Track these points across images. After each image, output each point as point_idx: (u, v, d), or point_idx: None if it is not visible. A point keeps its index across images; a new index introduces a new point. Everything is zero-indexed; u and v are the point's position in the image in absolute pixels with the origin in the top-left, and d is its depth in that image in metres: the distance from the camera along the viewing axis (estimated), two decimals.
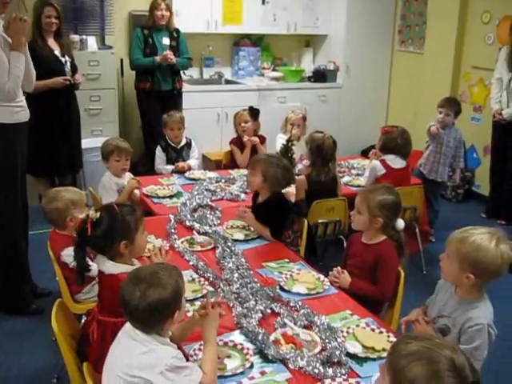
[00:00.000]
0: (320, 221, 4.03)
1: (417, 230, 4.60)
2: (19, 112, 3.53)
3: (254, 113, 4.97)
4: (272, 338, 2.35)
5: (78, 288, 3.10)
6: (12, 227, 3.62)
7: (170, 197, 4.11)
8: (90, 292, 3.10)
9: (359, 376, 2.15)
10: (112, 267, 2.41)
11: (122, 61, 6.20)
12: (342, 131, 6.88)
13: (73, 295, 3.11)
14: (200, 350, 2.25)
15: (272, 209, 3.46)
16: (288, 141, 4.49)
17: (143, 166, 5.86)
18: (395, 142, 4.35)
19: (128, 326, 2.04)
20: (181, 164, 4.79)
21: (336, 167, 4.27)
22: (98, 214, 2.41)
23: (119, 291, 2.01)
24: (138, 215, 2.52)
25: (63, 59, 4.99)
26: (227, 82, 6.88)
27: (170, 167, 4.84)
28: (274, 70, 7.10)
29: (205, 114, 6.27)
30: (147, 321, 1.97)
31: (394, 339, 2.35)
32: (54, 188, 3.26)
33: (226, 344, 2.32)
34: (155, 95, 5.80)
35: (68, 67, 5.03)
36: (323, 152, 4.02)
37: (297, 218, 3.66)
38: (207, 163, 6.28)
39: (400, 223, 3.02)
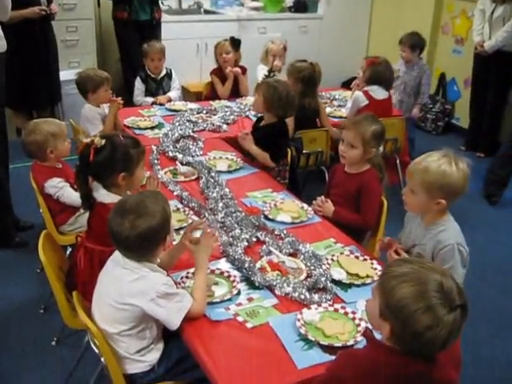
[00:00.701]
0: (304, 152, 4.02)
1: (397, 162, 4.63)
2: None
3: (235, 43, 4.87)
4: (258, 265, 2.38)
5: (63, 219, 3.11)
6: None
7: (152, 128, 4.07)
8: (75, 223, 3.11)
9: (344, 301, 2.20)
10: (104, 196, 2.41)
11: None
12: (323, 63, 6.60)
13: (57, 227, 3.10)
14: (188, 277, 2.29)
15: (275, 132, 3.46)
16: (270, 71, 4.45)
17: (122, 98, 5.75)
18: (382, 73, 4.32)
19: (117, 254, 2.06)
20: (160, 97, 4.73)
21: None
22: (103, 142, 2.39)
23: (108, 225, 2.02)
24: (140, 149, 2.52)
25: None
26: (206, 11, 6.71)
27: (150, 99, 4.77)
28: None
29: (184, 45, 6.12)
30: (138, 250, 1.99)
31: (377, 266, 2.42)
32: (33, 120, 3.19)
33: (212, 272, 2.35)
34: (133, 25, 5.62)
35: None
36: (314, 80, 3.99)
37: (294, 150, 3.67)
38: (187, 94, 6.19)
39: (380, 148, 3.06)
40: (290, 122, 3.65)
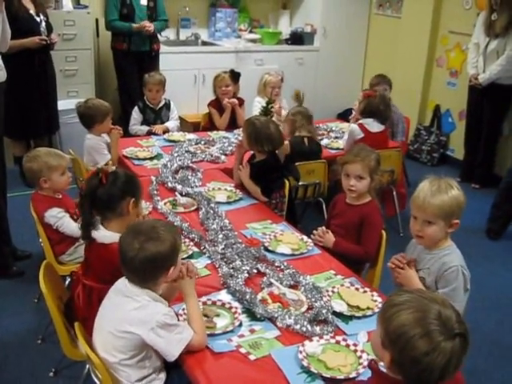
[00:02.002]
0: (300, 183, 4.05)
1: (394, 193, 4.66)
2: None
3: (235, 76, 4.94)
4: (259, 297, 2.39)
5: (62, 249, 3.11)
6: None
7: (151, 158, 4.09)
8: (74, 254, 3.11)
9: (345, 333, 2.20)
10: (104, 237, 2.39)
11: (97, 21, 6.05)
12: (319, 94, 6.90)
13: (56, 257, 3.10)
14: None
15: (264, 169, 3.49)
16: (268, 103, 4.49)
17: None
18: (377, 106, 4.37)
19: (119, 283, 2.07)
20: (157, 126, 4.77)
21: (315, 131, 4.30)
22: (114, 168, 2.44)
23: (119, 243, 2.04)
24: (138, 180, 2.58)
25: (38, 18, 4.84)
26: (204, 43, 6.78)
27: (145, 128, 4.82)
28: (251, 31, 7.02)
29: (182, 76, 6.18)
30: (143, 273, 2.00)
31: (377, 298, 2.42)
32: (38, 148, 3.20)
33: (214, 303, 2.35)
34: (132, 56, 5.70)
35: (43, 26, 4.88)
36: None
37: (291, 179, 3.70)
38: (184, 125, 6.21)
39: None
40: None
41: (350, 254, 2.91)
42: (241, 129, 4.77)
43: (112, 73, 6.02)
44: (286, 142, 4.04)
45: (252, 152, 3.60)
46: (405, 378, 1.53)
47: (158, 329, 1.94)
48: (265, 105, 4.50)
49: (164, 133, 4.74)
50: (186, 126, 6.18)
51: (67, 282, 2.96)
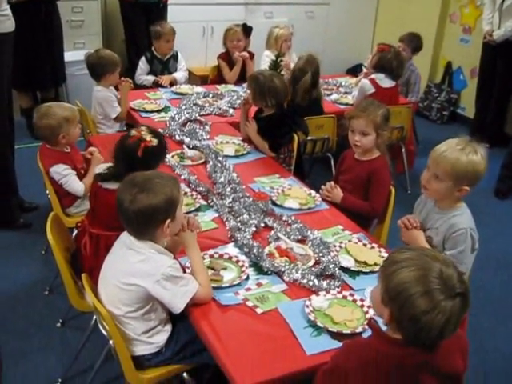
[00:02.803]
0: (308, 138, 4.01)
1: (403, 150, 4.61)
2: (5, 21, 3.38)
3: (247, 30, 4.87)
4: (266, 251, 2.38)
5: (69, 202, 3.10)
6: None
7: (158, 111, 4.05)
8: (81, 206, 3.09)
9: (352, 289, 2.20)
10: (110, 183, 2.39)
11: None
12: (329, 49, 6.78)
13: (63, 209, 3.09)
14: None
15: (272, 123, 3.45)
16: (277, 56, 4.40)
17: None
18: (390, 62, 4.28)
19: (124, 235, 2.06)
20: (164, 77, 4.71)
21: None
22: (156, 142, 2.46)
23: (117, 193, 2.02)
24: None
25: None
26: None
27: (152, 78, 4.76)
28: None
29: (190, 28, 6.05)
30: (136, 225, 1.98)
31: (385, 254, 2.41)
32: (46, 104, 3.14)
33: (221, 256, 2.34)
34: (140, 7, 5.58)
35: None
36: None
37: (300, 134, 3.66)
38: (192, 78, 6.13)
39: None
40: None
41: (357, 209, 2.89)
42: None
43: (119, 24, 5.91)
44: None
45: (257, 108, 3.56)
46: (403, 335, 1.52)
47: (163, 281, 1.94)
48: (274, 58, 4.40)
49: (171, 84, 4.69)
50: (193, 78, 6.10)
51: (74, 235, 2.95)
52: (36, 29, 4.81)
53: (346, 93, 4.74)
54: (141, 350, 2.06)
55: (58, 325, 2.93)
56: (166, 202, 1.97)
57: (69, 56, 5.30)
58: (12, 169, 3.71)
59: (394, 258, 1.56)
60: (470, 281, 2.42)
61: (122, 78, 3.95)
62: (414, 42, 5.07)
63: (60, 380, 2.59)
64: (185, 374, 2.14)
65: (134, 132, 2.49)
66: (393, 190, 2.94)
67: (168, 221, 1.99)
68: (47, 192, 3.10)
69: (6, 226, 3.71)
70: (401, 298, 1.47)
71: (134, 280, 1.95)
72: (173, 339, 2.11)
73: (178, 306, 1.98)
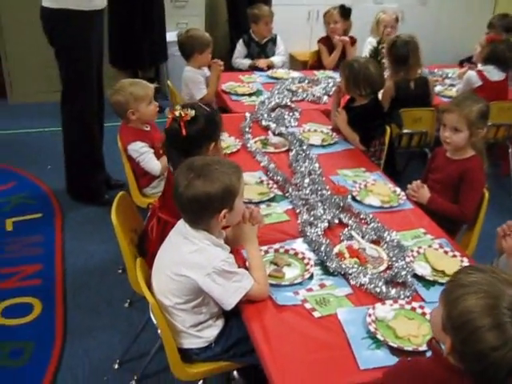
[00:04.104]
0: (404, 131, 3.77)
1: (510, 150, 4.25)
2: None
3: (344, 12, 4.65)
4: (336, 250, 2.21)
5: (146, 182, 3.07)
6: (87, 114, 3.59)
7: (249, 95, 3.96)
8: (158, 187, 3.05)
9: (424, 300, 1.99)
10: None
11: None
12: (441, 37, 6.40)
13: (140, 189, 3.07)
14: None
15: (365, 114, 3.27)
16: (379, 43, 4.17)
17: (227, 63, 5.67)
18: (502, 52, 3.94)
19: (180, 222, 1.98)
20: (261, 61, 4.60)
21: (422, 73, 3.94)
22: (193, 113, 2.29)
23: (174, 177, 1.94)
24: (220, 116, 2.42)
25: None
26: None
27: (248, 61, 4.67)
28: None
29: (294, 12, 5.91)
30: (190, 212, 1.89)
31: (467, 264, 2.17)
32: (123, 80, 3.14)
33: (286, 252, 2.21)
34: None
35: None
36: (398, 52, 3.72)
37: (393, 127, 3.46)
38: (294, 63, 6.02)
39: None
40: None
41: (444, 212, 2.65)
42: None
43: (223, 5, 5.88)
44: (390, 83, 3.77)
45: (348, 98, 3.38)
46: (466, 368, 1.32)
47: (214, 275, 1.83)
48: (375, 45, 4.17)
49: (268, 68, 4.57)
50: (295, 63, 5.98)
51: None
52: (135, 8, 4.84)
53: (451, 85, 4.43)
54: (188, 343, 1.97)
55: (126, 305, 2.92)
56: (223, 191, 1.85)
57: (171, 36, 5.30)
58: (100, 146, 3.75)
59: (460, 281, 1.37)
60: None
61: (214, 60, 3.87)
62: (502, 22, 4.67)
63: (118, 361, 2.58)
64: (235, 373, 2.04)
65: (168, 115, 2.33)
66: (486, 194, 2.68)
67: (224, 211, 1.88)
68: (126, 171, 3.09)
69: (91, 202, 3.77)
70: (465, 329, 1.29)
71: (185, 271, 1.86)
72: (224, 335, 2.00)
73: (229, 302, 1.87)
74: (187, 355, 1.99)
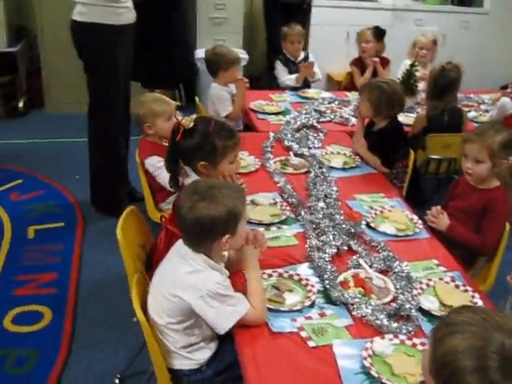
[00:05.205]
0: (432, 156, 3.67)
1: None
2: (124, 13, 3.45)
3: (378, 33, 4.58)
4: (341, 278, 2.15)
5: (162, 197, 3.07)
6: (113, 128, 3.62)
7: (277, 114, 3.92)
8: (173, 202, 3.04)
9: (427, 337, 1.89)
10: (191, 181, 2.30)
11: None
12: (484, 62, 6.26)
13: (157, 204, 3.07)
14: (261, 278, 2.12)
15: (386, 137, 3.21)
16: (412, 65, 4.11)
17: (264, 81, 5.67)
18: None
19: (179, 242, 1.96)
20: (305, 65, 4.59)
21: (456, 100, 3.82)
22: (192, 124, 2.28)
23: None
24: (232, 142, 2.36)
25: None
26: None
27: (293, 76, 4.62)
28: None
29: (333, 32, 5.86)
30: (192, 235, 1.87)
31: (478, 301, 2.08)
32: (148, 94, 3.16)
33: (291, 277, 2.16)
34: (282, 6, 5.51)
35: None
36: (439, 83, 3.59)
37: (413, 150, 3.37)
38: (331, 83, 5.98)
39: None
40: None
41: (465, 241, 2.57)
42: None
43: (262, 23, 5.89)
44: (423, 113, 3.69)
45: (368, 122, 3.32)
46: None
47: (208, 298, 1.80)
48: (408, 67, 4.11)
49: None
50: (332, 84, 5.94)
51: None
52: (151, 29, 4.83)
53: (486, 111, 4.31)
54: (179, 364, 1.94)
55: (135, 319, 2.89)
56: (226, 215, 1.83)
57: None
58: (124, 159, 3.78)
59: (449, 320, 1.30)
60: None
61: (239, 77, 3.86)
62: None
63: (119, 376, 2.56)
64: None
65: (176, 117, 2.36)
66: (507, 227, 2.58)
67: (227, 236, 1.86)
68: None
69: (113, 214, 3.76)
70: (447, 369, 1.22)
71: (179, 292, 1.83)
72: (216, 358, 1.97)
73: (223, 327, 1.83)
74: (178, 376, 1.95)
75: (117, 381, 2.55)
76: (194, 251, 1.88)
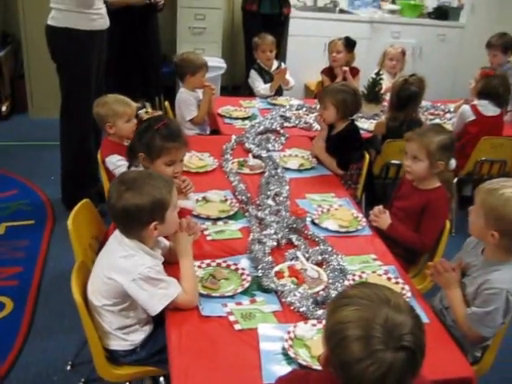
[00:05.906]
0: (392, 162, 3.79)
1: None
2: (97, 19, 3.57)
3: (349, 43, 4.69)
4: (277, 268, 2.26)
5: None
6: (83, 128, 3.74)
7: (243, 119, 4.04)
8: None
9: None
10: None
11: None
12: (460, 74, 6.39)
13: None
14: (199, 267, 2.23)
15: (343, 140, 3.32)
16: (377, 74, 4.23)
17: (244, 91, 5.79)
18: (495, 87, 3.94)
19: (117, 229, 2.05)
20: (278, 71, 4.68)
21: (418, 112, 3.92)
22: (145, 117, 2.43)
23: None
24: (170, 145, 2.43)
25: None
26: (342, 11, 6.53)
27: (267, 85, 4.70)
28: (393, 2, 6.65)
29: (310, 43, 5.99)
30: (122, 223, 1.98)
31: (408, 293, 2.18)
32: (110, 95, 3.26)
33: (228, 266, 2.27)
34: (261, 18, 5.63)
35: None
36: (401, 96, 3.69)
37: (371, 152, 3.49)
38: (308, 92, 6.11)
39: (452, 163, 2.80)
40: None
41: (404, 239, 2.68)
42: None
43: (242, 32, 6.03)
44: (382, 120, 3.81)
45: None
46: (339, 381, 1.34)
47: (140, 281, 1.91)
48: (374, 76, 4.23)
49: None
50: (309, 93, 6.06)
51: None
52: (126, 41, 4.91)
53: (450, 119, 4.44)
54: (115, 344, 2.05)
55: None
56: (152, 204, 1.94)
57: None
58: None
59: (344, 293, 1.41)
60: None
61: (206, 83, 3.98)
62: (500, 41, 4.79)
63: (70, 363, 2.67)
64: (161, 379, 2.10)
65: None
66: (447, 226, 2.69)
67: (155, 223, 1.96)
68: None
69: None
70: (336, 338, 1.30)
71: (114, 275, 1.94)
72: (150, 340, 2.07)
73: (154, 309, 1.94)
74: (114, 357, 2.06)
75: (68, 367, 2.65)
76: (128, 237, 1.98)
